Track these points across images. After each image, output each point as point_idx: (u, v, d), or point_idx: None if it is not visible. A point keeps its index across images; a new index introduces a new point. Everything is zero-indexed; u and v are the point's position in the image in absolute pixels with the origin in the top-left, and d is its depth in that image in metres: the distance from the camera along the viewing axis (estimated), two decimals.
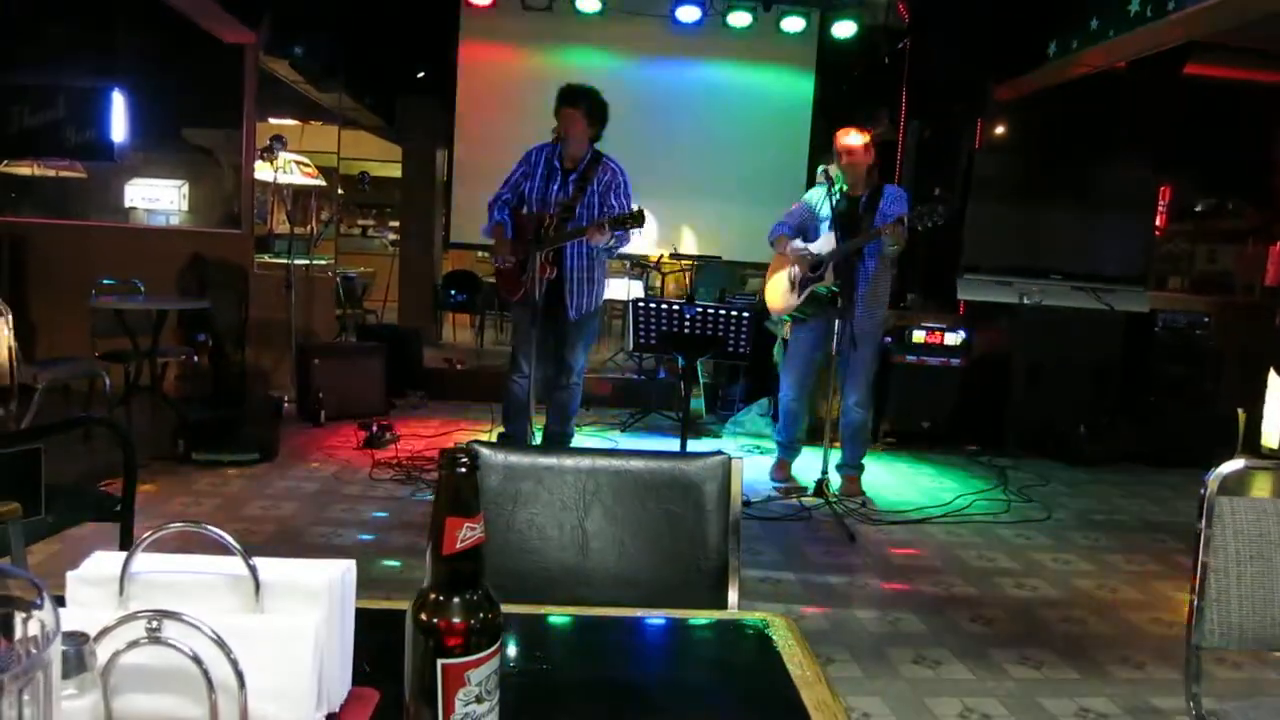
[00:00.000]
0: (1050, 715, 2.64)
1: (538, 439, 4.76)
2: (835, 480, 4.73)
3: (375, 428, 5.34)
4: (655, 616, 1.19)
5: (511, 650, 1.04)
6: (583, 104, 4.45)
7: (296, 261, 6.51)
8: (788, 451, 5.09)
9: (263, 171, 6.94)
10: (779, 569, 3.73)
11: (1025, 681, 2.85)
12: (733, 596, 1.58)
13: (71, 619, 0.78)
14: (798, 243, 4.68)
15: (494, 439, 5.06)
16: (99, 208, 8.58)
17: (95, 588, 0.82)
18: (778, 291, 4.82)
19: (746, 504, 4.46)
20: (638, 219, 4.23)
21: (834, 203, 4.54)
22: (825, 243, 4.55)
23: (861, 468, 4.94)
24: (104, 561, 0.84)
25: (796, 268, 4.69)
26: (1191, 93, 7.32)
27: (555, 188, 4.52)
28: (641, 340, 4.49)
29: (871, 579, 3.69)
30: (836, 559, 3.89)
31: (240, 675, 0.77)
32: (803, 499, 4.58)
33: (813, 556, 3.91)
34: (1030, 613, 3.43)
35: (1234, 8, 5.02)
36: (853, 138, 4.66)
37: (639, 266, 8.82)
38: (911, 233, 4.36)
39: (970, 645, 3.10)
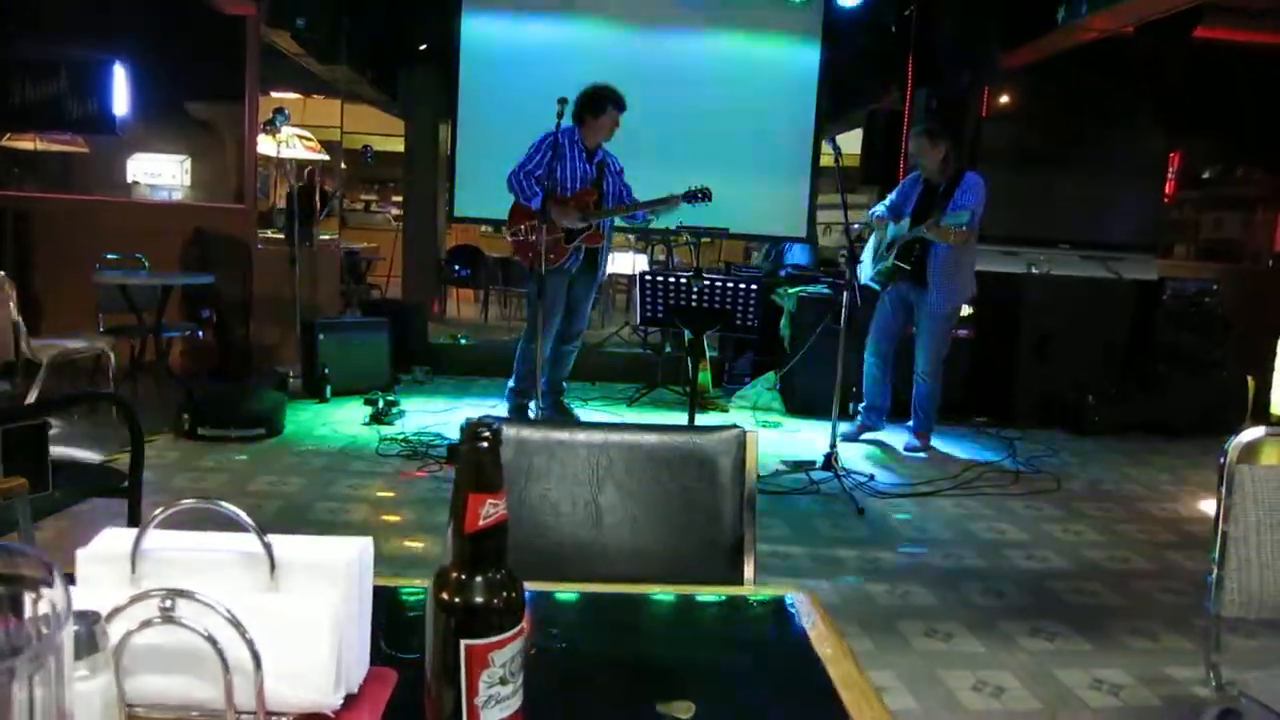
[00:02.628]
0: (1064, 687, 2.63)
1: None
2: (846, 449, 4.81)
3: (381, 403, 5.32)
4: (677, 593, 1.17)
5: (532, 628, 1.02)
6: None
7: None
8: (867, 415, 5.35)
9: (265, 145, 6.87)
10: (788, 543, 3.72)
11: (1038, 653, 2.84)
12: (748, 571, 1.56)
13: (82, 598, 0.75)
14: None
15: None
16: (102, 182, 8.53)
17: (106, 566, 0.80)
18: (863, 260, 5.31)
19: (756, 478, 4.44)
20: (708, 194, 4.83)
21: (920, 188, 5.07)
22: (904, 225, 5.01)
23: (929, 432, 5.26)
24: (115, 539, 0.82)
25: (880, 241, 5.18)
26: (1201, 57, 7.19)
27: (584, 168, 5.02)
28: (648, 314, 4.45)
29: (881, 552, 3.68)
30: (846, 533, 3.88)
31: (256, 656, 0.75)
32: (811, 473, 4.56)
33: (822, 530, 3.90)
34: (1041, 584, 3.42)
35: None
36: (911, 144, 5.17)
37: (644, 240, 8.76)
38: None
39: (982, 618, 3.09)
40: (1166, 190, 7.52)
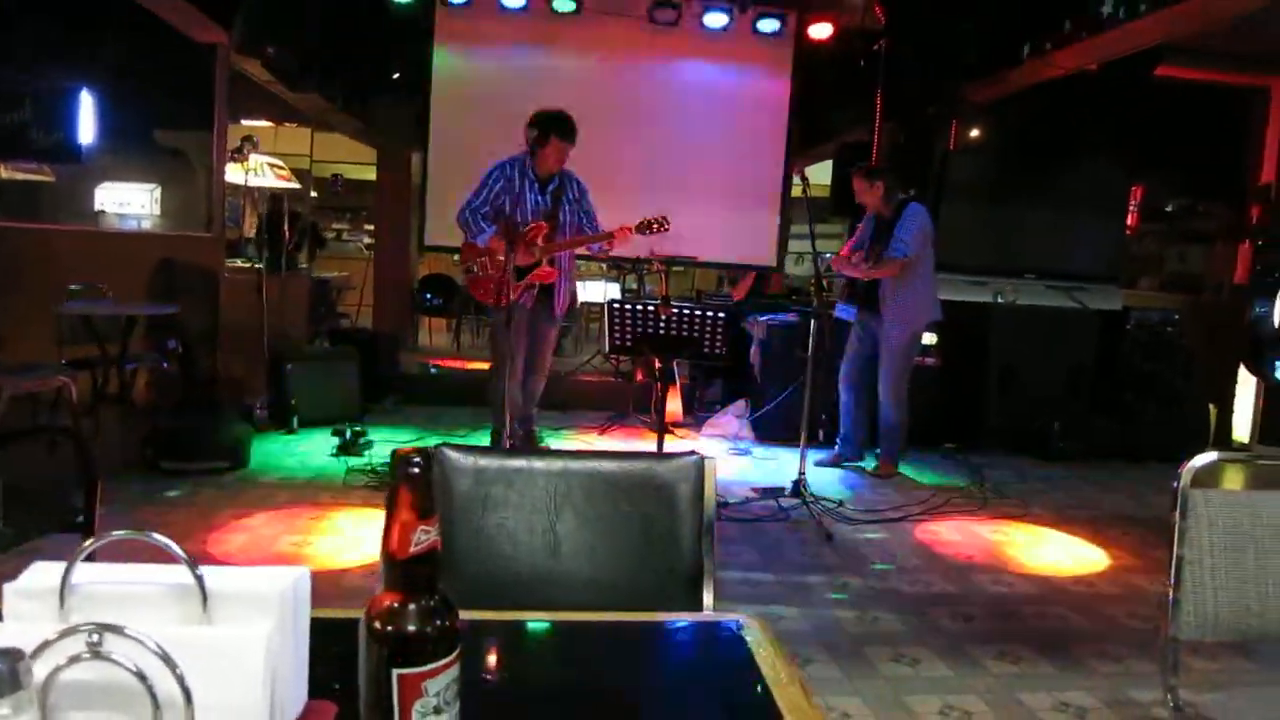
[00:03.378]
0: (1029, 710, 2.63)
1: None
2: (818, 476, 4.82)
3: (349, 434, 5.27)
4: (628, 620, 1.16)
5: (481, 658, 1.01)
6: (574, 137, 4.75)
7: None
8: (843, 446, 5.47)
9: (234, 174, 6.84)
10: (757, 570, 3.71)
11: (1004, 677, 2.84)
12: (707, 598, 1.56)
13: (9, 634, 0.74)
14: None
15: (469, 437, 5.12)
16: (68, 211, 8.44)
17: (34, 600, 0.78)
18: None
19: (724, 505, 4.44)
20: (664, 223, 4.63)
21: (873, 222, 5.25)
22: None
23: (893, 460, 5.30)
24: (43, 573, 0.80)
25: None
26: (1162, 94, 7.37)
27: (535, 199, 4.78)
28: (618, 342, 4.46)
29: (850, 578, 3.68)
30: (815, 559, 3.88)
31: (187, 690, 0.73)
32: (780, 500, 4.56)
33: (791, 557, 3.90)
34: (1008, 609, 3.44)
35: (1203, 11, 5.07)
36: (853, 184, 5.28)
37: (617, 269, 8.79)
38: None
39: (949, 642, 3.09)
40: (1129, 223, 7.66)
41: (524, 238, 4.70)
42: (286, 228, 7.23)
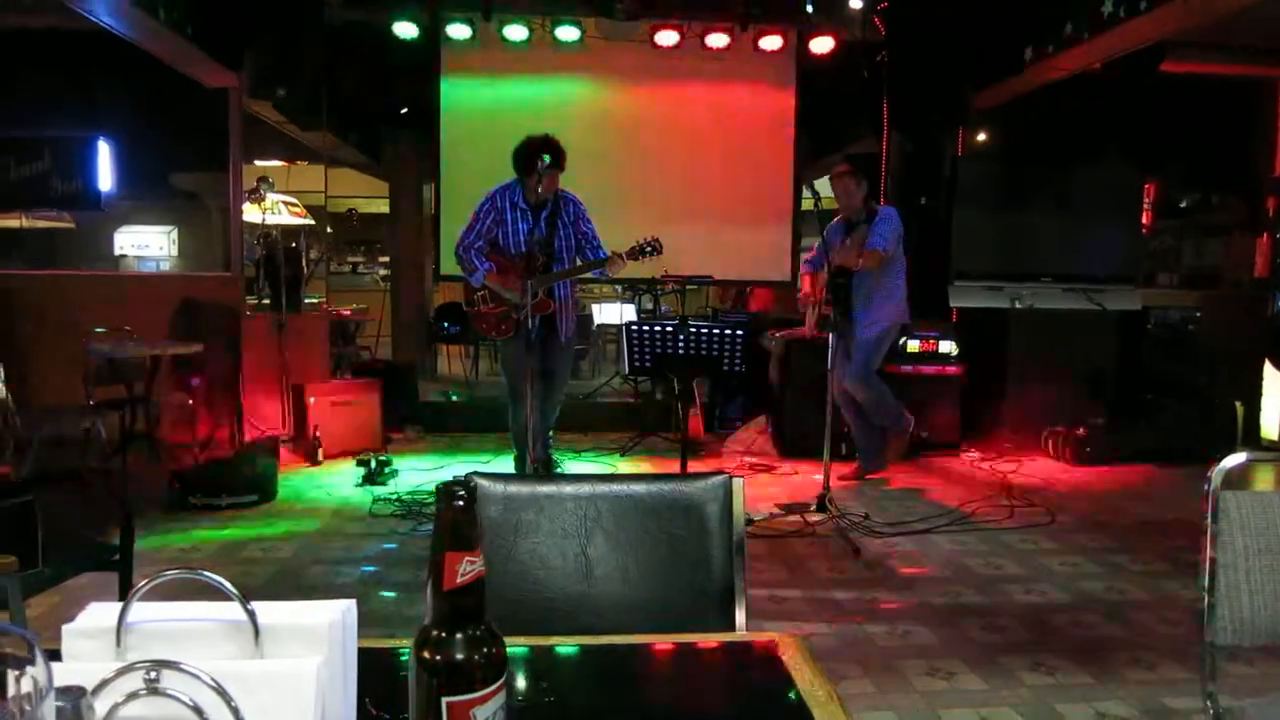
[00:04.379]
0: None
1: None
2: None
3: (373, 464, 5.31)
4: (663, 641, 1.17)
5: (519, 683, 1.02)
6: (563, 161, 4.64)
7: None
8: (862, 457, 5.49)
9: (251, 213, 6.93)
10: (785, 586, 3.70)
11: (1039, 688, 2.82)
12: (740, 617, 1.56)
13: (68, 673, 0.76)
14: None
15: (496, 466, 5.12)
16: (89, 257, 8.58)
17: (92, 640, 0.80)
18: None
19: (749, 522, 4.44)
20: (657, 246, 4.50)
21: (844, 229, 5.15)
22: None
23: (873, 460, 5.34)
24: (100, 613, 0.82)
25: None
26: (1169, 90, 7.36)
27: (529, 227, 4.69)
28: (636, 363, 4.47)
29: (879, 592, 3.67)
30: (842, 574, 3.87)
31: None
32: (806, 515, 4.55)
33: (818, 572, 3.89)
34: (1040, 618, 3.41)
35: (1204, 4, 5.06)
36: (835, 186, 5.18)
37: (631, 290, 8.83)
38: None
39: (982, 654, 3.07)
40: (1144, 221, 7.64)
41: (519, 271, 4.58)
42: (303, 262, 7.31)
